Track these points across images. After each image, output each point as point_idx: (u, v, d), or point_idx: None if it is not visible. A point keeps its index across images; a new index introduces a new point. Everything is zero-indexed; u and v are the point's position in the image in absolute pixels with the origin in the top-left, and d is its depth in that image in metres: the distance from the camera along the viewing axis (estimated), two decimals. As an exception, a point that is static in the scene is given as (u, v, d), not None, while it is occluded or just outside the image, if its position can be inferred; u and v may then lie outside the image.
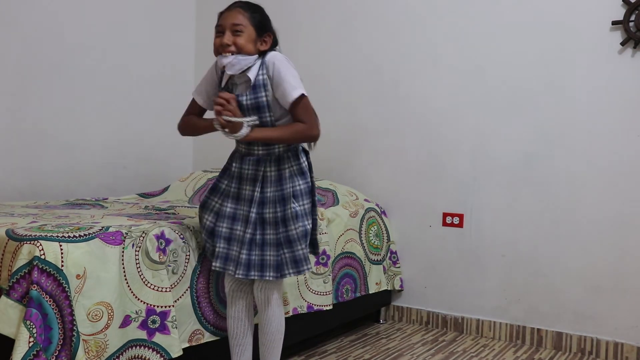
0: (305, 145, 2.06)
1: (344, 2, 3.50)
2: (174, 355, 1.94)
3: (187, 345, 2.04)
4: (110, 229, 1.87)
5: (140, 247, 1.91)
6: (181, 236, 2.06)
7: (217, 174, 3.39)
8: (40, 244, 1.68)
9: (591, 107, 2.83)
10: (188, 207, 2.82)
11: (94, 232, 1.82)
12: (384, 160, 3.37)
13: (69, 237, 1.75)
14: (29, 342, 1.58)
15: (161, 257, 1.96)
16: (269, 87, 1.89)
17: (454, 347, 2.92)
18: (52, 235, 1.73)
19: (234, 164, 2.04)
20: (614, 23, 2.76)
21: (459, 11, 3.15)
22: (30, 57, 3.11)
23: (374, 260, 3.14)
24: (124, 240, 1.87)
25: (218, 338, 2.16)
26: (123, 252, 1.85)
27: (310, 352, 2.78)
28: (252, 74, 1.89)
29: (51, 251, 1.68)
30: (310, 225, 2.00)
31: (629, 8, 2.72)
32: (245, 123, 1.87)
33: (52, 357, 1.63)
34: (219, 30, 1.91)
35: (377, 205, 3.29)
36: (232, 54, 1.87)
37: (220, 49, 1.90)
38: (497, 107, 3.05)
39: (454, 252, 3.18)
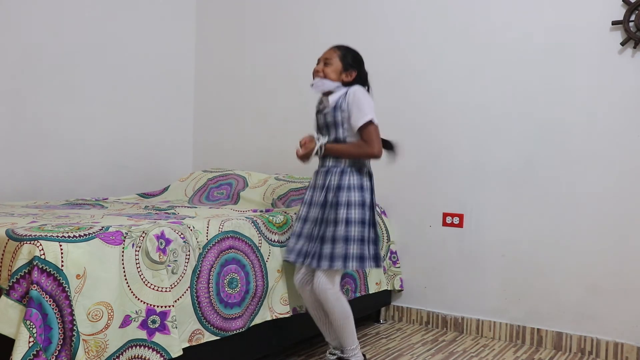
0: (371, 168, 2.47)
1: (342, 3, 3.50)
2: (174, 355, 1.94)
3: (187, 345, 2.04)
4: (110, 229, 1.88)
5: (140, 247, 1.91)
6: (181, 236, 2.06)
7: (217, 173, 3.42)
8: (40, 244, 1.68)
9: (591, 107, 2.83)
10: (188, 207, 2.82)
11: (94, 232, 1.82)
12: (383, 160, 3.36)
13: (69, 237, 1.75)
14: (29, 342, 1.58)
15: (161, 257, 1.96)
16: (345, 110, 2.37)
17: (454, 347, 2.92)
18: (52, 235, 1.73)
19: (313, 179, 2.51)
20: (614, 23, 2.76)
21: (458, 11, 3.15)
22: (30, 57, 3.12)
23: (374, 260, 3.14)
24: (124, 240, 1.87)
25: (218, 338, 2.16)
26: (123, 252, 1.85)
27: (310, 352, 2.78)
28: (332, 99, 2.40)
29: (51, 251, 1.68)
30: (357, 234, 2.33)
31: (629, 8, 2.72)
32: (317, 143, 2.41)
33: (52, 357, 1.63)
34: (318, 61, 2.47)
35: (377, 205, 3.29)
36: (320, 78, 2.42)
37: (313, 74, 2.46)
38: (497, 107, 3.05)
39: (454, 252, 3.18)
